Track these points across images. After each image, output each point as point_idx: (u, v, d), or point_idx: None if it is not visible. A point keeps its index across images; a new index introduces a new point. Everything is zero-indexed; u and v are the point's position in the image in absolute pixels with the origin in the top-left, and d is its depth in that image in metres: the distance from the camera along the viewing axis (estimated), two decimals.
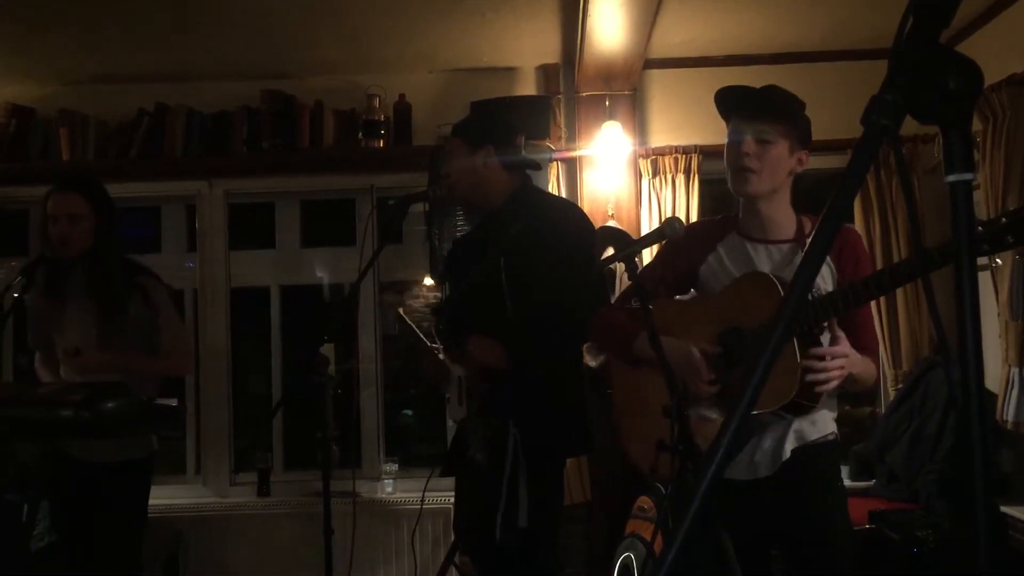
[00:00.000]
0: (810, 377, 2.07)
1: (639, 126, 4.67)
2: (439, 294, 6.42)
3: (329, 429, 3.39)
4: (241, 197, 5.00)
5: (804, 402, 2.13)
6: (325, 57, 4.58)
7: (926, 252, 1.84)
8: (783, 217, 2.33)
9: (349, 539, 3.50)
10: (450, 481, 3.16)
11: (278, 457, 4.93)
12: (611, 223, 4.49)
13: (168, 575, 4.42)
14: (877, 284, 1.99)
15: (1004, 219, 1.82)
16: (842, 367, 2.09)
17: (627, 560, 3.78)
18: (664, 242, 2.47)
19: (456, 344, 2.86)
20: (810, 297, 2.03)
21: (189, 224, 5.07)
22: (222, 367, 4.81)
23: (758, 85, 2.34)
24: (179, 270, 5.01)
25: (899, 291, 4.43)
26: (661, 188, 4.53)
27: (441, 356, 3.02)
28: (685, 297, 2.46)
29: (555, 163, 4.58)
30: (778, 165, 2.26)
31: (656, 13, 3.87)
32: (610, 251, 4.06)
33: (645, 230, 4.48)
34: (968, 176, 0.85)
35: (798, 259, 2.26)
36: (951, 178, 0.85)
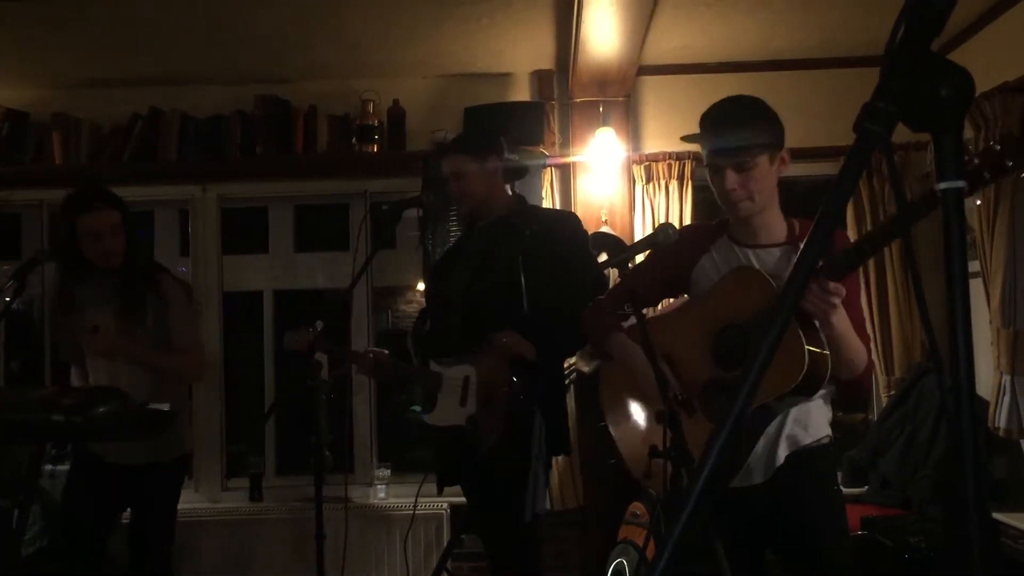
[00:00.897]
0: (807, 303, 2.03)
1: (633, 132, 4.68)
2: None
3: (322, 434, 3.39)
4: (235, 202, 4.99)
5: (807, 388, 2.11)
6: (319, 62, 4.58)
7: (911, 204, 1.83)
8: (773, 222, 2.33)
9: (341, 545, 3.49)
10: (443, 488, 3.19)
11: (270, 462, 4.92)
12: (605, 229, 4.49)
13: None
14: (869, 241, 1.98)
15: (995, 145, 1.80)
16: (835, 303, 2.03)
17: (620, 566, 3.78)
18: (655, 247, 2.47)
19: (472, 342, 2.89)
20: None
21: (182, 229, 5.07)
22: (215, 372, 4.79)
23: (752, 91, 2.33)
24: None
25: (891, 298, 4.45)
26: (655, 194, 4.54)
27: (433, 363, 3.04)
28: (675, 304, 2.46)
29: (549, 169, 4.58)
30: (764, 181, 2.25)
31: (650, 20, 3.88)
32: (604, 257, 4.07)
33: (639, 236, 4.49)
34: (959, 184, 0.85)
35: (791, 261, 2.26)
36: (942, 185, 0.86)
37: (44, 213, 4.81)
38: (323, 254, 5.28)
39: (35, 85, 4.74)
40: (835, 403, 2.43)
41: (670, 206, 4.51)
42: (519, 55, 4.58)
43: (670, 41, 4.40)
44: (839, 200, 0.86)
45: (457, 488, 3.25)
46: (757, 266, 2.27)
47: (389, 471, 4.75)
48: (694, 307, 2.37)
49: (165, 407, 3.01)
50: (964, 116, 0.86)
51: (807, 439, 2.28)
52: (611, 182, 4.58)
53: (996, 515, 3.90)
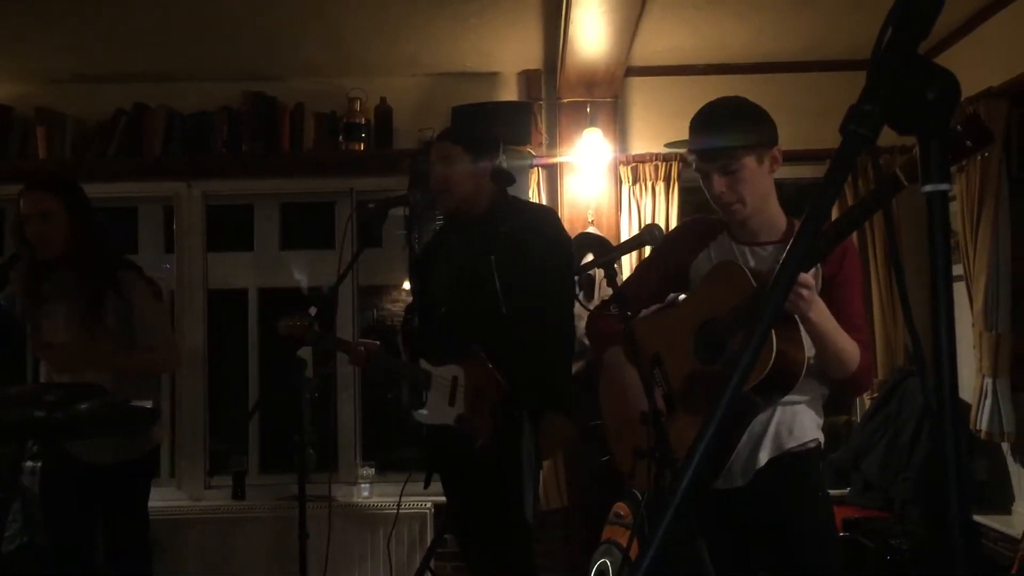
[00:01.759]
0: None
1: (620, 133, 4.68)
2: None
3: (306, 432, 3.39)
4: (220, 199, 4.97)
5: (780, 381, 2.08)
6: (307, 59, 4.56)
7: (892, 177, 1.82)
8: (771, 219, 2.32)
9: (324, 544, 3.48)
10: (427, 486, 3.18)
11: (254, 460, 4.90)
12: (591, 229, 4.50)
13: None
14: (848, 219, 1.97)
15: (958, 126, 1.79)
16: (807, 295, 2.02)
17: (603, 566, 3.78)
18: (664, 237, 2.46)
19: (456, 341, 2.89)
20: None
21: (167, 225, 5.04)
22: (198, 369, 4.78)
23: (739, 93, 2.33)
24: (156, 271, 4.95)
25: (875, 301, 4.47)
26: (641, 195, 4.54)
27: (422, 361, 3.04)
28: (667, 301, 2.46)
29: (536, 169, 4.58)
30: (754, 182, 2.24)
31: (638, 21, 3.89)
32: (590, 257, 4.07)
33: (625, 237, 4.49)
34: (944, 187, 0.85)
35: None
36: (928, 188, 0.86)
37: None
38: (309, 252, 5.27)
39: (19, 79, 4.71)
40: (830, 405, 2.41)
41: (656, 207, 4.52)
42: (507, 55, 4.58)
43: (658, 42, 4.41)
44: (825, 202, 0.86)
45: (441, 487, 3.24)
46: (753, 263, 2.27)
47: (373, 470, 4.73)
48: (683, 304, 2.38)
49: (147, 404, 3.01)
50: (950, 120, 0.86)
51: (791, 443, 2.26)
52: (598, 183, 4.58)
53: (977, 517, 3.93)
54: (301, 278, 5.56)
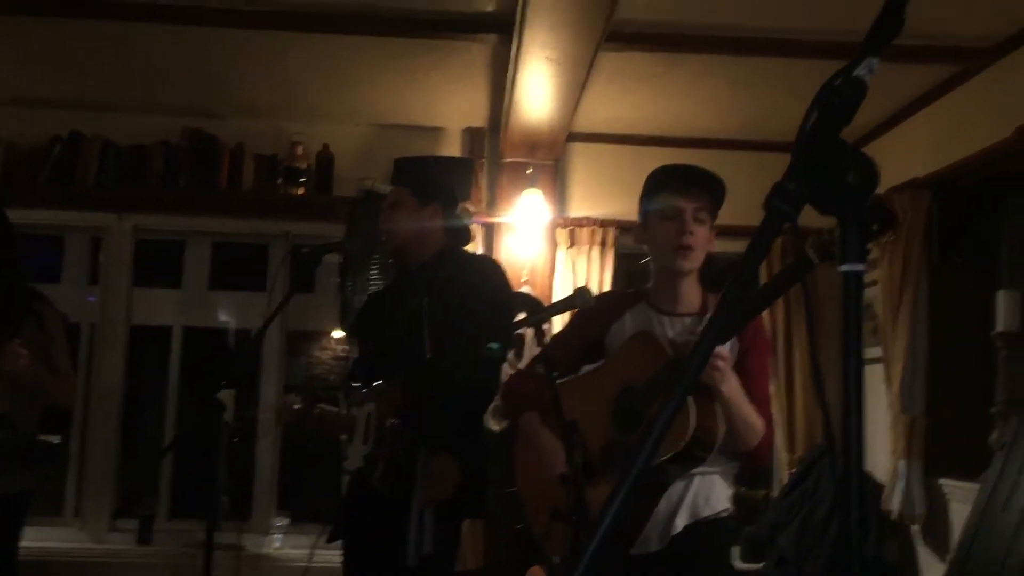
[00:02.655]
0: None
1: (559, 196, 4.74)
2: (347, 347, 6.34)
3: (220, 478, 3.30)
4: (151, 233, 4.88)
5: (696, 452, 2.14)
6: (251, 100, 4.55)
7: (803, 256, 1.89)
8: (693, 291, 2.38)
9: None
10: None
11: (164, 504, 4.74)
12: (525, 289, 4.52)
13: None
14: (762, 295, 2.04)
15: (830, 232, 1.88)
16: (722, 367, 2.09)
17: None
18: (576, 311, 2.50)
19: (371, 384, 2.85)
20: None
21: (93, 256, 4.92)
22: (113, 406, 4.63)
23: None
24: (78, 303, 4.84)
25: (797, 377, 4.56)
26: (576, 259, 4.60)
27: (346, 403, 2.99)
28: (587, 369, 2.48)
29: (474, 226, 4.60)
30: (707, 244, 2.33)
31: (583, 88, 3.97)
32: (521, 316, 4.08)
33: (558, 299, 4.52)
34: (860, 267, 0.88)
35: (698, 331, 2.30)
36: (844, 267, 0.88)
37: None
38: (238, 293, 5.19)
39: None
40: (739, 478, 2.46)
41: (591, 271, 4.57)
42: (453, 111, 4.63)
43: (601, 111, 4.50)
44: (745, 275, 0.88)
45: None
46: (670, 333, 2.31)
47: (288, 520, 4.62)
48: (600, 372, 2.40)
49: (55, 439, 2.91)
50: (868, 203, 0.89)
51: (707, 511, 2.29)
52: (534, 244, 4.62)
53: None
54: (229, 319, 5.46)
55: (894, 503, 3.92)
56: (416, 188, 3.00)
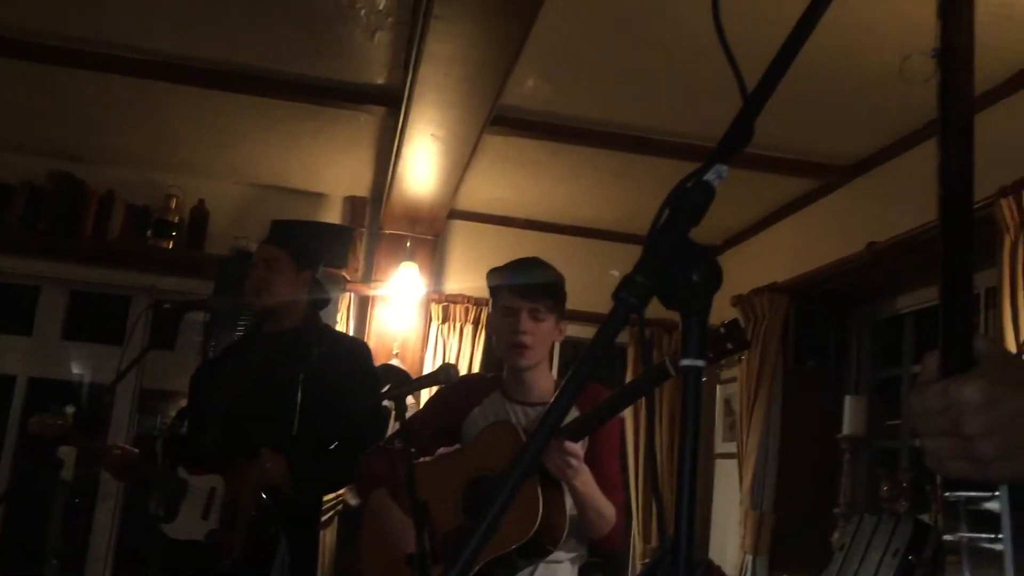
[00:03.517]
0: (548, 462, 2.08)
1: (436, 271, 4.77)
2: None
3: (52, 539, 3.08)
4: (4, 276, 4.62)
5: (544, 543, 2.14)
6: (127, 147, 4.42)
7: (660, 367, 1.96)
8: (544, 381, 2.42)
9: None
10: None
11: None
12: (394, 362, 4.48)
13: None
14: (609, 404, 2.09)
15: (722, 328, 1.98)
16: (576, 465, 2.10)
17: None
18: (437, 389, 2.51)
19: (230, 454, 2.72)
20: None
21: None
22: None
23: (554, 251, 2.46)
24: None
25: (660, 467, 4.64)
26: (449, 334, 4.60)
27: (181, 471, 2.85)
28: (441, 452, 2.46)
29: (348, 295, 4.56)
30: (548, 338, 2.37)
31: (466, 168, 4.02)
32: (385, 388, 4.03)
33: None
34: (700, 363, 0.91)
35: None
36: (685, 362, 0.91)
37: None
38: (93, 345, 4.94)
39: None
40: (597, 567, 2.47)
41: (462, 348, 4.58)
42: (336, 177, 4.62)
43: (484, 191, 4.57)
44: (589, 363, 0.89)
45: None
46: (524, 422, 2.32)
47: None
48: (455, 456, 2.40)
49: None
50: (711, 301, 0.92)
51: None
52: (408, 316, 4.60)
53: None
54: (81, 372, 5.18)
55: None
56: (294, 252, 2.96)
